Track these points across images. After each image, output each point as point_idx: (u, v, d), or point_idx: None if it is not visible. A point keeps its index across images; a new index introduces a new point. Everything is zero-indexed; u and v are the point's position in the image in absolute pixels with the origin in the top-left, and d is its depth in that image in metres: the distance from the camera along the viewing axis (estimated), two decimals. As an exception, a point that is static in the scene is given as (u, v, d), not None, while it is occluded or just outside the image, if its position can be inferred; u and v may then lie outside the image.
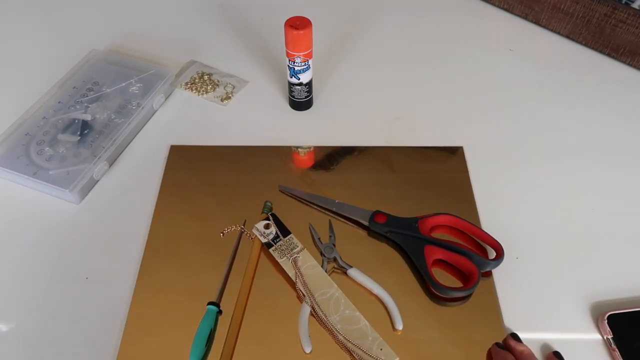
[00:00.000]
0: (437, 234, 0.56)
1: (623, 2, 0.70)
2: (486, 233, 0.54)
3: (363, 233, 0.57)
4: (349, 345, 0.48)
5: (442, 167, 0.63)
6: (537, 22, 0.81)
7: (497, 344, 0.48)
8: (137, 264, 0.54)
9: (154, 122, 0.69)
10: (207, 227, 0.57)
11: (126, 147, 0.66)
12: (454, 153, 0.64)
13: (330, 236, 0.56)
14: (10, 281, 0.54)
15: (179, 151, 0.64)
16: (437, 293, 0.51)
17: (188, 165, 0.63)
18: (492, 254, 0.54)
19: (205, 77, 0.73)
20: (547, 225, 0.57)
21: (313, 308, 0.50)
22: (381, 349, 0.47)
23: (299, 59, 0.62)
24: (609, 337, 0.48)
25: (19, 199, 0.60)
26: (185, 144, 0.65)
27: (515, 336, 0.48)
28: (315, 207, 0.59)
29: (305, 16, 0.60)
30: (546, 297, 0.52)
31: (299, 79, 0.65)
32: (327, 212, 0.58)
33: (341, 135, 0.66)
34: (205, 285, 0.52)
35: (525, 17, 0.82)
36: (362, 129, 0.67)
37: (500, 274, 0.53)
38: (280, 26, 0.61)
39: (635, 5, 0.69)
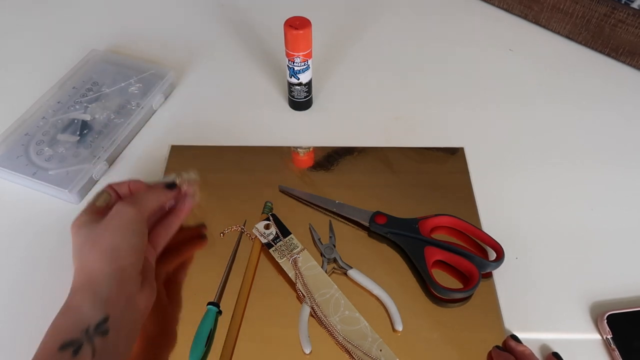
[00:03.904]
0: (437, 235, 0.56)
1: (622, 2, 0.70)
2: (486, 234, 0.54)
3: (363, 234, 0.57)
4: (349, 346, 0.48)
5: (443, 167, 0.63)
6: (537, 22, 0.81)
7: (497, 346, 0.48)
8: (137, 264, 0.54)
9: (154, 122, 0.69)
10: (207, 227, 0.57)
11: (126, 147, 0.66)
12: (455, 154, 0.64)
13: (330, 237, 0.56)
14: (9, 281, 0.54)
15: (179, 151, 0.64)
16: (437, 294, 0.51)
17: (188, 166, 0.62)
18: (493, 255, 0.54)
19: None
20: (547, 225, 0.58)
21: (313, 309, 0.50)
22: (381, 350, 0.47)
23: (298, 59, 0.62)
24: (609, 337, 0.48)
25: (19, 199, 0.60)
26: (185, 144, 0.65)
27: (514, 337, 0.48)
28: (315, 207, 0.59)
29: (305, 16, 0.60)
30: (546, 297, 0.52)
31: (299, 79, 0.65)
32: (327, 213, 0.58)
33: (341, 136, 0.66)
34: (205, 285, 0.52)
35: (525, 17, 0.82)
36: (362, 129, 0.67)
37: (500, 275, 0.53)
38: (280, 26, 0.61)
39: (634, 5, 0.69)
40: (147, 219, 0.46)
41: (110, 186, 0.50)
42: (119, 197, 0.49)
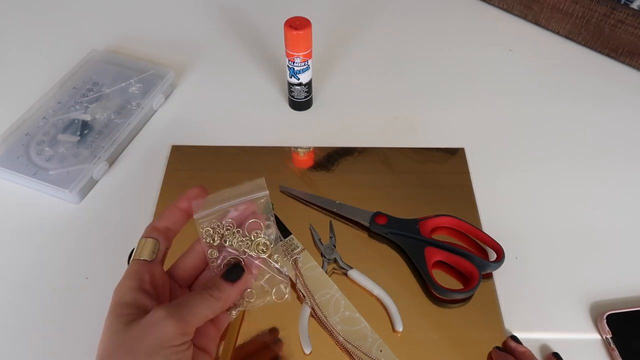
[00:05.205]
0: (437, 236, 0.56)
1: (622, 2, 0.70)
2: (487, 235, 0.54)
3: (364, 234, 0.57)
4: (349, 346, 0.48)
5: (443, 168, 0.63)
6: (537, 22, 0.81)
7: (497, 347, 0.48)
8: (137, 264, 0.54)
9: (154, 123, 0.69)
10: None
11: (126, 147, 0.66)
12: (455, 154, 0.64)
13: (330, 237, 0.56)
14: (10, 281, 0.54)
15: (180, 151, 0.64)
16: (437, 295, 0.51)
17: (189, 166, 0.63)
18: (493, 255, 0.54)
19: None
20: (547, 225, 0.58)
21: (313, 309, 0.50)
22: (381, 351, 0.48)
23: (298, 59, 0.62)
24: (608, 336, 0.48)
25: (19, 199, 0.60)
26: (185, 144, 0.65)
27: (515, 338, 0.48)
28: (315, 207, 0.59)
29: (305, 16, 0.60)
30: (546, 297, 0.52)
31: (299, 79, 0.65)
32: (327, 213, 0.58)
33: (341, 136, 0.66)
34: (206, 286, 0.52)
35: (525, 17, 0.82)
36: (362, 130, 0.67)
37: (500, 275, 0.53)
38: (280, 26, 0.61)
39: (634, 6, 0.69)
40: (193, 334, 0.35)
41: (152, 227, 0.39)
42: (169, 235, 0.40)
